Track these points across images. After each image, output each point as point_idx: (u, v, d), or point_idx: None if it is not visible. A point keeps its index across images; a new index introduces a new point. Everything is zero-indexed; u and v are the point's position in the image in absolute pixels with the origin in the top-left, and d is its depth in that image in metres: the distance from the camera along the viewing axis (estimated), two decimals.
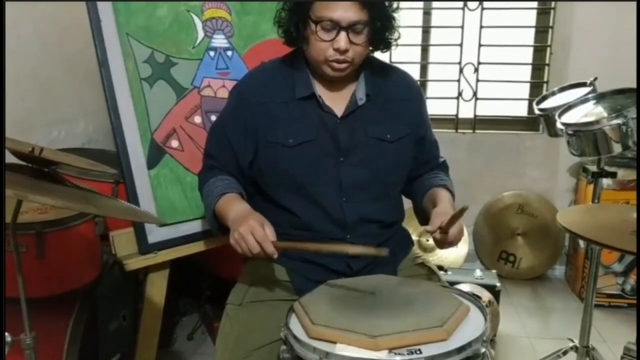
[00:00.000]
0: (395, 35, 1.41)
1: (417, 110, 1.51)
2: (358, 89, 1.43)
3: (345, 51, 1.32)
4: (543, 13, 3.14)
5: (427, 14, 3.21)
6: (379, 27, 1.34)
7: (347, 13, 1.28)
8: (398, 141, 1.44)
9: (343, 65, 1.35)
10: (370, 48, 1.41)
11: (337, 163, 1.40)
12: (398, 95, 1.47)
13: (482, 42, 3.14)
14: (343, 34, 1.30)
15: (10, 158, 1.32)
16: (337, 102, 1.42)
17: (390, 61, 2.83)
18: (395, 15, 1.37)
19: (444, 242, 1.29)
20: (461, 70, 3.19)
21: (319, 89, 1.43)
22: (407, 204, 1.57)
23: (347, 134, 1.40)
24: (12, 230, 1.27)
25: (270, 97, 1.42)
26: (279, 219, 1.39)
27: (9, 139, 1.32)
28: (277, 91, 1.43)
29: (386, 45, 1.42)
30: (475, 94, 3.21)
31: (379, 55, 1.51)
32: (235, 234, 1.24)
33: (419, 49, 3.24)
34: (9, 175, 1.16)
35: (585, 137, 1.81)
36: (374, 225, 1.43)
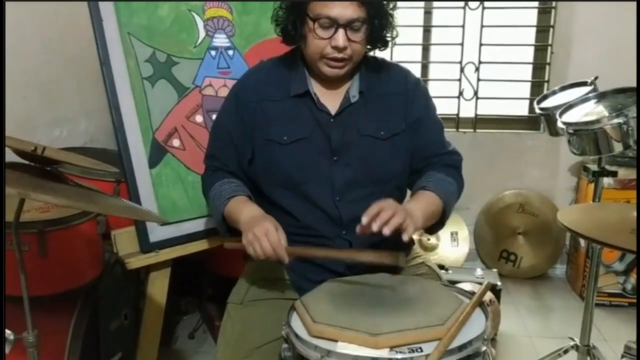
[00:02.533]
0: (394, 33, 1.40)
1: (412, 102, 1.45)
2: (352, 86, 1.43)
3: (343, 49, 1.31)
4: (544, 12, 3.14)
5: (428, 13, 3.21)
6: (377, 24, 1.34)
7: (345, 10, 1.28)
8: (392, 138, 1.42)
9: (341, 63, 1.35)
10: (369, 46, 1.41)
11: (331, 162, 1.39)
12: (393, 89, 1.45)
13: (483, 42, 3.14)
14: (341, 32, 1.29)
15: (13, 157, 1.33)
16: (332, 100, 1.42)
17: (391, 60, 2.83)
18: (393, 13, 1.37)
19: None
20: (462, 70, 3.19)
21: (315, 87, 1.42)
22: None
23: (339, 132, 1.40)
24: (15, 229, 1.27)
25: (266, 95, 1.43)
26: (276, 218, 1.40)
27: (12, 138, 1.32)
28: (273, 89, 1.43)
29: (384, 44, 1.41)
30: (476, 93, 3.21)
31: (380, 54, 1.51)
32: (250, 234, 1.24)
33: (419, 48, 3.24)
34: (12, 174, 1.16)
35: (586, 136, 1.80)
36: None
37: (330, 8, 1.28)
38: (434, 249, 3.14)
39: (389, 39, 1.40)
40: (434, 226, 1.42)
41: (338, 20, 1.28)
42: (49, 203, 1.61)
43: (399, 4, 1.40)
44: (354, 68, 1.41)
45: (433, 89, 3.27)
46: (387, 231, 1.16)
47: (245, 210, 1.34)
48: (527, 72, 3.23)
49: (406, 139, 1.44)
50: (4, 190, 1.00)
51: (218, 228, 1.48)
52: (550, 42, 3.11)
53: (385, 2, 1.34)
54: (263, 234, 1.22)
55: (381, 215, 1.17)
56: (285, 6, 1.37)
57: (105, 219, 1.82)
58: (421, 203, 1.33)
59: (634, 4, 2.75)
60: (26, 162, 1.31)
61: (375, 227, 1.16)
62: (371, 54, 1.49)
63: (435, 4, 3.18)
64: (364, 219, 1.17)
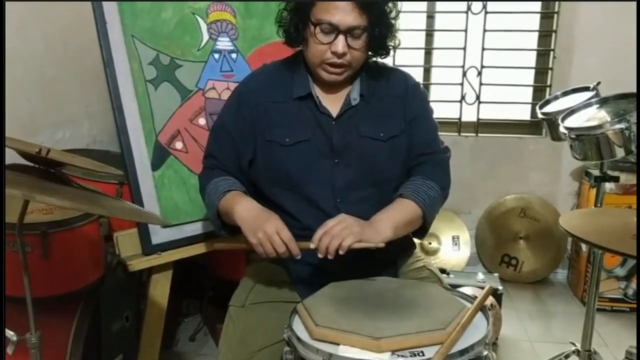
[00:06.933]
0: (395, 42, 1.41)
1: (411, 103, 1.47)
2: (353, 89, 1.44)
3: (342, 55, 1.33)
4: (546, 17, 3.14)
5: (430, 17, 3.21)
6: (378, 33, 1.35)
7: (347, 17, 1.29)
8: (392, 139, 1.43)
9: (339, 70, 1.36)
10: (370, 53, 1.42)
11: (332, 164, 1.41)
12: (392, 92, 1.47)
13: (485, 46, 3.14)
14: (341, 38, 1.31)
15: (16, 159, 1.33)
16: (333, 103, 1.44)
17: (394, 64, 2.83)
18: (394, 22, 1.38)
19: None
20: (464, 74, 3.20)
21: (317, 90, 1.44)
22: None
23: (340, 134, 1.41)
24: (18, 231, 1.28)
25: (269, 97, 1.44)
26: None
27: (17, 140, 1.33)
28: (275, 91, 1.45)
29: (385, 52, 1.43)
30: (478, 97, 3.21)
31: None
32: (260, 233, 1.24)
33: (422, 52, 3.24)
34: (17, 176, 1.17)
35: (588, 141, 1.81)
36: None
37: (332, 14, 1.29)
38: (436, 253, 3.14)
39: (390, 47, 1.41)
40: (416, 232, 1.44)
41: (339, 26, 1.30)
42: (53, 205, 1.61)
43: (401, 7, 1.41)
44: (354, 73, 1.42)
45: (435, 93, 3.28)
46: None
47: (241, 203, 1.34)
48: (529, 76, 3.23)
49: (405, 140, 1.46)
50: (4, 190, 1.01)
51: (212, 223, 1.47)
52: (552, 46, 3.11)
53: (387, 12, 1.35)
54: (274, 232, 1.23)
55: (322, 241, 1.22)
56: (289, 8, 1.38)
57: (107, 221, 1.82)
58: (394, 211, 1.35)
59: (636, 8, 2.75)
60: (30, 163, 1.31)
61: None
62: (372, 59, 1.49)
63: (437, 7, 3.19)
64: (312, 246, 1.23)
